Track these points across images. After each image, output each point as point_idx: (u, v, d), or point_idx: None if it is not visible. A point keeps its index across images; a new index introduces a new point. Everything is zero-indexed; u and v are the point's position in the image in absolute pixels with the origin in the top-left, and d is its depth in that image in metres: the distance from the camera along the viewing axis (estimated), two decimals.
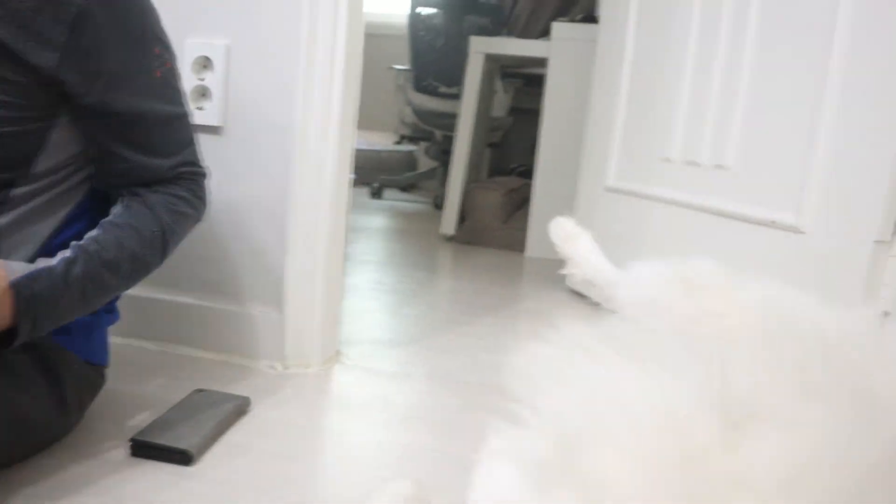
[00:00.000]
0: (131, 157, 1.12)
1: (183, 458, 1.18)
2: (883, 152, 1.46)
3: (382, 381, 1.64)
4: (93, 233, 1.08)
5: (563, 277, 2.60)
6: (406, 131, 5.15)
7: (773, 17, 1.75)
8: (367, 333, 1.97)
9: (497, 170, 4.74)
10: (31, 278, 0.98)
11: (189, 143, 1.22)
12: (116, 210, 1.13)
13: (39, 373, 1.12)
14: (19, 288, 0.96)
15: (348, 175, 1.66)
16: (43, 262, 1.02)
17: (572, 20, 3.22)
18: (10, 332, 0.98)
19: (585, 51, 2.59)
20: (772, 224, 1.72)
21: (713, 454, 0.53)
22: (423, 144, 5.30)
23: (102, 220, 1.11)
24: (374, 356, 1.79)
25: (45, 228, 1.13)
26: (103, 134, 1.12)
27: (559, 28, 3.07)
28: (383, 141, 5.82)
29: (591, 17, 3.05)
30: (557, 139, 3.09)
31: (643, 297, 1.02)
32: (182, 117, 1.20)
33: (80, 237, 1.09)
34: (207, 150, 1.45)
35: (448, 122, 3.67)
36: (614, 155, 2.33)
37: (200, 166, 1.24)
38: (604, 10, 2.43)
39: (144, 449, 1.20)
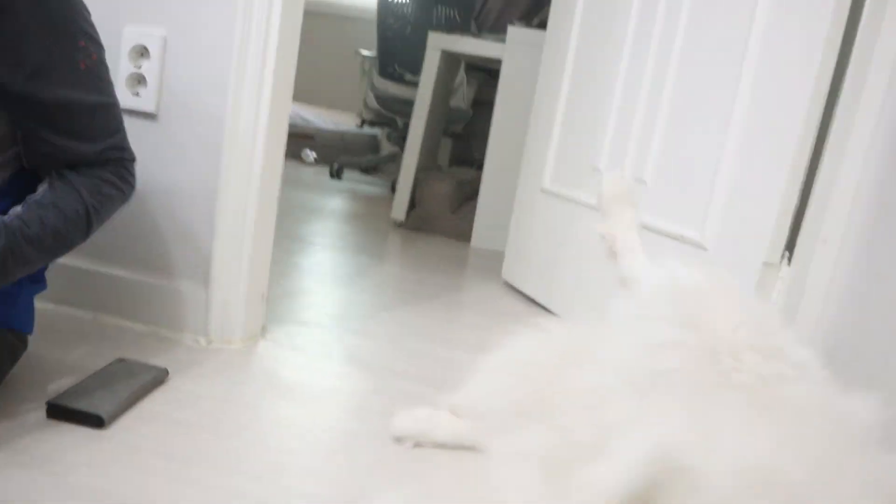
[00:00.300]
0: (57, 141, 1.19)
1: (95, 420, 1.27)
2: (775, 181, 1.57)
3: (302, 361, 1.73)
4: (17, 209, 1.16)
5: (500, 269, 2.72)
6: (369, 116, 5.20)
7: (696, 40, 1.85)
8: (296, 314, 2.05)
9: (458, 160, 4.82)
10: None
11: (116, 131, 1.28)
12: (42, 189, 1.20)
13: None
14: None
15: (280, 163, 1.74)
16: None
17: (528, 25, 3.31)
18: None
19: (537, 55, 2.69)
20: (681, 238, 1.83)
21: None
22: (385, 129, 5.36)
23: (28, 198, 1.18)
24: (298, 336, 1.88)
25: None
26: (29, 119, 1.18)
27: (514, 32, 3.16)
28: (348, 122, 5.87)
29: (546, 24, 3.15)
30: (507, 137, 3.18)
31: (672, 288, 1.07)
32: (109, 106, 1.27)
33: (5, 213, 1.17)
34: (142, 134, 1.54)
35: (410, 109, 3.74)
36: (551, 159, 2.44)
37: (127, 151, 1.31)
38: (551, 18, 2.52)
39: (60, 412, 1.28)
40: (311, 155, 5.62)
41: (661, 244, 1.89)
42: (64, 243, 1.21)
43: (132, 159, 1.32)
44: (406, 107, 4.50)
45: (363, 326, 2.04)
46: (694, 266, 1.09)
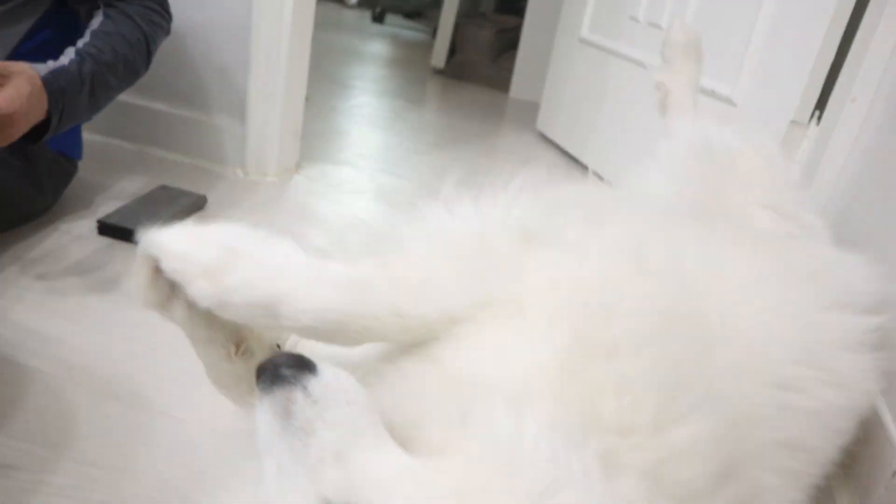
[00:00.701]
0: None
1: None
2: (810, 40, 1.55)
3: (332, 194, 1.82)
4: (86, 39, 1.21)
5: (536, 120, 2.73)
6: None
7: None
8: (331, 153, 2.13)
9: (503, 6, 4.69)
10: (54, 74, 1.11)
11: None
12: (99, 20, 1.24)
13: (16, 157, 1.29)
14: (48, 83, 1.09)
15: (312, 1, 1.75)
16: (52, 63, 1.14)
17: None
18: (43, 126, 1.12)
19: None
20: (711, 94, 1.82)
21: (501, 255, 0.66)
22: None
23: (90, 28, 1.23)
24: (332, 173, 1.96)
25: (15, 34, 1.27)
26: None
27: None
28: None
29: None
30: None
31: (703, 149, 1.08)
32: None
33: (49, 43, 1.24)
34: None
35: None
36: (590, 6, 2.39)
37: None
38: None
39: (108, 229, 1.40)
40: None
41: None
42: (132, 70, 1.28)
43: None
44: None
45: (395, 167, 2.11)
46: (726, 126, 1.10)
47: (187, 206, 1.54)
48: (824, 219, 1.08)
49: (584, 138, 2.41)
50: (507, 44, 3.65)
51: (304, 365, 0.50)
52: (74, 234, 1.39)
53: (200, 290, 0.59)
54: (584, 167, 2.36)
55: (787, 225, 1.00)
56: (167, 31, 1.38)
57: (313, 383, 0.49)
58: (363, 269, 0.64)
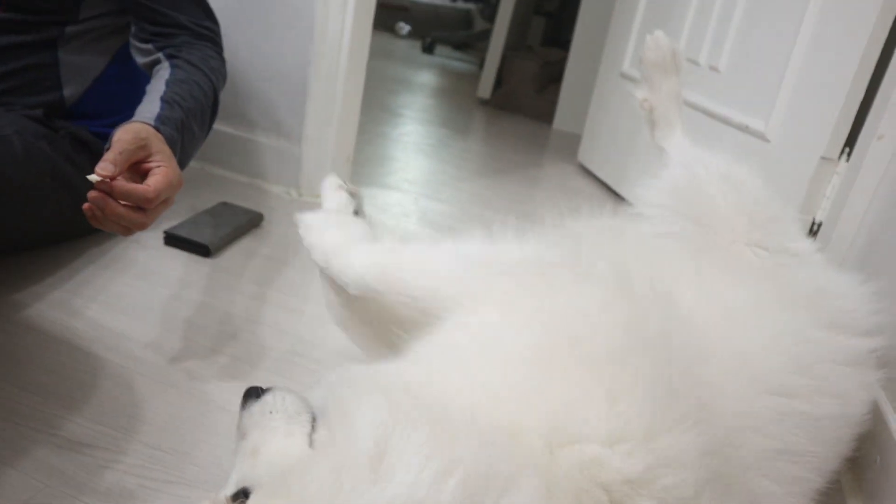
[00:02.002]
0: (161, 10, 1.33)
1: (203, 250, 1.50)
2: (841, 79, 1.61)
3: (380, 218, 1.93)
4: (164, 88, 1.23)
5: (577, 152, 2.81)
6: None
7: None
8: (379, 177, 2.24)
9: (550, 40, 4.79)
10: (161, 120, 1.11)
11: (210, 10, 1.42)
12: (167, 70, 1.29)
13: (91, 168, 1.42)
14: (159, 130, 1.09)
15: (368, 32, 1.87)
16: (155, 110, 1.14)
17: None
18: None
19: None
20: (745, 129, 1.89)
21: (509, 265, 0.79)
22: (478, 4, 5.33)
23: (166, 79, 1.26)
24: (379, 195, 2.07)
25: (101, 60, 1.42)
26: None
27: None
28: None
29: None
30: (596, 17, 3.19)
31: (686, 186, 1.10)
32: None
33: (130, 71, 1.36)
34: (243, 3, 1.71)
35: None
36: (632, 42, 2.48)
37: (218, 27, 1.45)
38: None
39: (174, 240, 1.52)
40: (404, 27, 5.67)
41: (724, 133, 1.95)
42: (208, 117, 1.33)
43: (220, 35, 1.46)
44: None
45: (439, 193, 2.21)
46: (719, 155, 1.14)
47: (245, 222, 1.65)
48: (813, 242, 1.10)
49: (622, 170, 2.49)
50: (552, 76, 3.74)
51: (253, 394, 0.71)
52: (143, 243, 1.52)
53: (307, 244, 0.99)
54: (622, 199, 2.42)
55: (776, 258, 1.02)
56: (225, 77, 1.43)
57: (254, 405, 0.70)
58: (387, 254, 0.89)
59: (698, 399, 0.65)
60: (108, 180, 0.92)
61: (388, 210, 1.99)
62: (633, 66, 2.47)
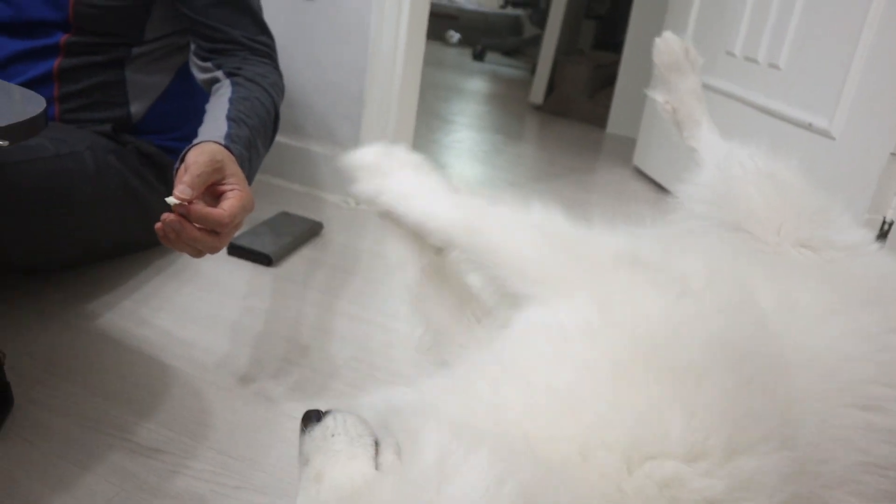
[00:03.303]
0: (218, 27, 1.35)
1: (265, 259, 1.53)
2: None
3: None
4: (227, 106, 1.23)
5: (633, 155, 2.78)
6: None
7: None
8: None
9: (601, 43, 4.76)
10: (230, 139, 1.11)
11: (265, 26, 1.43)
12: (229, 88, 1.29)
13: (160, 181, 1.46)
14: (231, 150, 1.09)
15: (422, 40, 1.89)
16: (222, 129, 1.14)
17: None
18: None
19: None
20: (808, 127, 1.85)
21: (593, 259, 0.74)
22: (527, 10, 5.33)
23: (229, 97, 1.26)
24: None
25: (165, 77, 1.46)
26: (190, 9, 1.34)
27: None
28: (491, 2, 5.87)
29: None
30: (649, 18, 3.15)
31: (723, 189, 1.06)
32: (260, 6, 1.42)
33: (191, 87, 1.40)
34: (298, 13, 1.76)
35: None
36: (687, 41, 2.44)
37: (274, 43, 1.46)
38: None
39: (238, 251, 1.55)
40: (454, 36, 5.70)
41: (785, 132, 1.91)
42: (270, 133, 1.34)
43: (275, 49, 1.46)
44: None
45: (493, 198, 2.20)
46: (753, 148, 1.08)
47: (306, 231, 1.68)
48: (868, 232, 1.03)
49: (680, 173, 2.44)
50: (605, 80, 3.71)
51: (314, 417, 0.68)
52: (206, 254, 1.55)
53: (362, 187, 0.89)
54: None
55: (825, 255, 0.98)
56: (283, 91, 1.42)
57: (315, 429, 0.66)
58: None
59: (782, 416, 0.63)
60: (185, 203, 0.92)
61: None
62: None
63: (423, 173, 0.89)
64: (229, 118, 1.17)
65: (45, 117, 0.86)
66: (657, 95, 1.23)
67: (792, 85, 1.93)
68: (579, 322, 0.67)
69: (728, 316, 0.69)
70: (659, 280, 0.71)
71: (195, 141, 1.08)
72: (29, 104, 0.88)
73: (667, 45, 1.19)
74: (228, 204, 0.98)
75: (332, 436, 0.65)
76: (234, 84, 1.28)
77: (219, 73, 1.33)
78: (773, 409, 0.63)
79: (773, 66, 1.99)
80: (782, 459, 0.60)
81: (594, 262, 0.73)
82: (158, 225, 0.94)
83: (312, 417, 0.68)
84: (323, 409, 0.70)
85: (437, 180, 0.88)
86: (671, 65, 1.19)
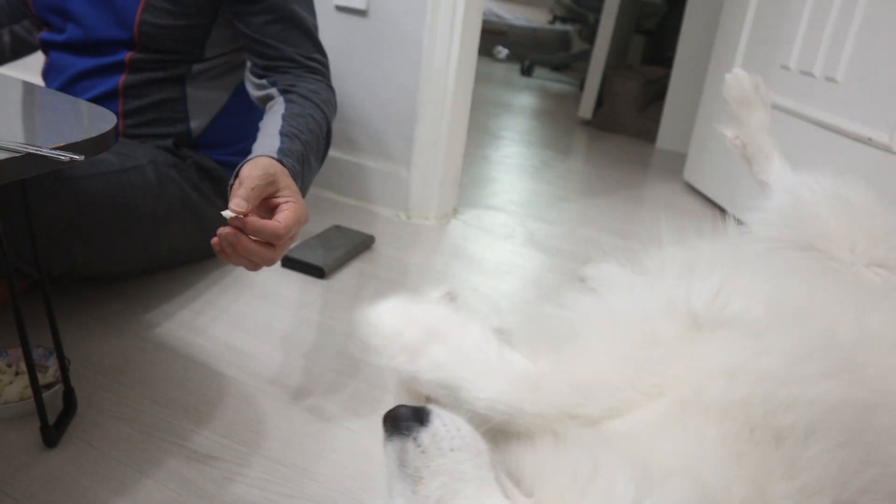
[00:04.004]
0: (273, 44, 1.38)
1: (318, 272, 1.55)
2: None
3: (487, 239, 1.94)
4: (280, 122, 1.25)
5: (683, 170, 2.75)
6: (561, 11, 5.20)
7: None
8: (484, 199, 2.25)
9: (650, 58, 4.73)
10: (282, 153, 1.13)
11: (320, 44, 1.46)
12: (282, 105, 1.31)
13: (217, 195, 1.49)
14: (283, 163, 1.11)
15: (474, 56, 1.90)
16: (267, 146, 1.16)
17: None
18: None
19: None
20: (868, 142, 1.81)
21: (669, 342, 0.66)
22: (576, 26, 5.32)
23: (282, 114, 1.28)
24: (485, 218, 2.08)
25: (224, 94, 1.50)
26: (247, 28, 1.38)
27: None
28: (540, 18, 5.88)
29: None
30: (700, 32, 3.13)
31: (793, 211, 1.05)
32: (315, 25, 1.45)
33: (249, 104, 1.44)
34: (353, 29, 1.79)
35: (601, 4, 3.72)
36: (739, 56, 2.41)
37: (327, 61, 1.48)
38: None
39: (291, 263, 1.58)
40: (503, 51, 5.72)
41: (843, 147, 1.87)
42: (323, 149, 1.36)
43: (328, 67, 1.48)
44: (597, 1, 4.45)
45: (544, 214, 2.21)
46: (824, 174, 1.07)
47: (358, 244, 1.70)
48: None
49: (732, 188, 2.41)
50: (654, 95, 3.68)
51: (417, 417, 0.57)
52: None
53: (399, 364, 0.69)
54: (731, 216, 2.34)
55: None
56: (335, 108, 1.44)
57: (423, 435, 0.56)
58: (539, 366, 0.68)
59: (879, 471, 0.60)
60: (241, 216, 0.94)
61: (493, 231, 1.99)
62: None
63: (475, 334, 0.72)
64: (282, 133, 1.18)
65: (115, 133, 0.88)
66: (727, 131, 1.24)
67: (850, 99, 1.89)
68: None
69: (839, 380, 0.64)
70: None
71: (249, 157, 1.10)
72: (99, 120, 0.91)
73: (737, 80, 1.20)
74: (283, 216, 0.99)
75: (452, 451, 0.55)
76: (287, 101, 1.30)
77: (273, 91, 1.35)
78: (872, 463, 0.60)
79: (831, 79, 1.95)
80: None
81: (665, 347, 0.67)
82: (215, 240, 0.95)
83: (406, 417, 0.58)
84: (414, 405, 0.60)
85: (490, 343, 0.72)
86: (741, 100, 1.20)
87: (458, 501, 0.53)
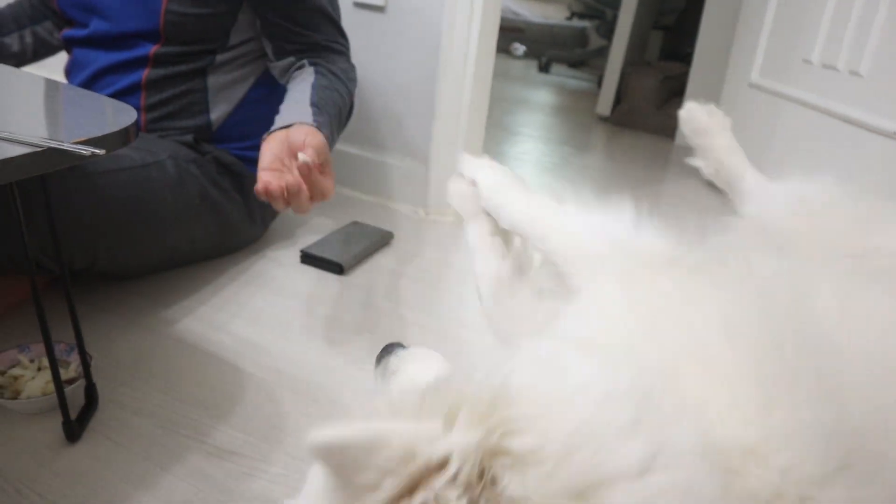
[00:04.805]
0: (300, 32, 1.41)
1: (337, 268, 1.55)
2: None
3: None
4: (310, 92, 1.31)
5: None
6: (578, 8, 5.18)
7: None
8: None
9: (668, 54, 4.69)
10: (318, 124, 1.20)
11: (342, 28, 1.49)
12: (313, 76, 1.37)
13: (236, 190, 1.50)
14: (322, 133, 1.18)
15: (492, 53, 1.89)
16: (302, 113, 1.23)
17: None
18: None
19: None
20: (893, 136, 1.78)
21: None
22: (594, 22, 5.29)
23: (311, 83, 1.34)
24: None
25: (244, 85, 1.50)
26: (274, 13, 1.40)
27: None
28: (557, 15, 5.85)
29: None
30: (719, 28, 3.09)
31: (771, 224, 1.02)
32: (338, 9, 1.48)
33: (269, 95, 1.44)
34: (371, 25, 1.78)
35: (620, 0, 3.70)
36: (761, 51, 2.39)
37: (349, 44, 1.51)
38: None
39: (309, 259, 1.57)
40: (520, 48, 5.70)
41: (867, 141, 1.85)
42: (343, 124, 1.41)
43: (350, 50, 1.52)
44: None
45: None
46: (815, 184, 1.08)
47: (376, 240, 1.70)
48: None
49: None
50: (673, 91, 3.65)
51: (394, 347, 0.88)
52: (279, 261, 1.58)
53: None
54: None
55: (875, 262, 0.95)
56: (356, 82, 1.50)
57: (396, 351, 0.86)
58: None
59: (823, 387, 0.60)
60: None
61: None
62: (764, 75, 2.38)
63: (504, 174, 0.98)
64: (313, 104, 1.25)
65: (136, 127, 0.89)
66: (697, 162, 1.24)
67: (874, 92, 1.86)
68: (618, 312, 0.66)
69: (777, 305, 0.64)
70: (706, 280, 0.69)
71: (284, 120, 1.19)
72: (120, 115, 0.91)
73: (690, 114, 1.21)
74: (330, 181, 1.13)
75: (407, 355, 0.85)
76: (317, 72, 1.37)
77: (303, 61, 1.41)
78: (813, 373, 0.59)
79: (855, 73, 1.92)
80: (823, 421, 0.55)
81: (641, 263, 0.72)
82: (258, 186, 1.07)
83: (394, 347, 0.87)
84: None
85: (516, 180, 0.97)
86: (700, 131, 1.22)
87: (404, 368, 0.83)
